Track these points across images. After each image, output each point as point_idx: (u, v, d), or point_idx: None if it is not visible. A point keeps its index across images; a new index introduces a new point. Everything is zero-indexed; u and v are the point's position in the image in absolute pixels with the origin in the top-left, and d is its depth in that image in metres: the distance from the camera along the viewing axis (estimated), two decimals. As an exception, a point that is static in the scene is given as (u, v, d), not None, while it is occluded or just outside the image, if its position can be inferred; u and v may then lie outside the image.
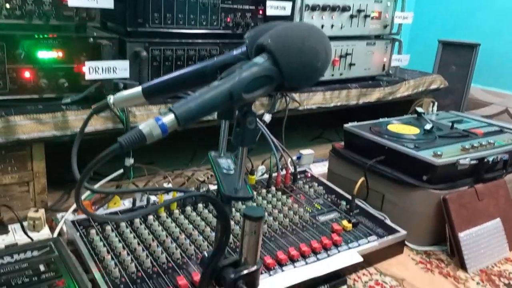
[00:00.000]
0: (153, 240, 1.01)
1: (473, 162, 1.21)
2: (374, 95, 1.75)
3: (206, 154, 1.44)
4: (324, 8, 1.52)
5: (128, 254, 0.95)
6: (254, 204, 1.20)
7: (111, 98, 0.59)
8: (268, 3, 1.35)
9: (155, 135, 0.41)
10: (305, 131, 2.01)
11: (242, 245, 0.57)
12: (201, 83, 0.53)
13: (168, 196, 1.16)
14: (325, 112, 1.77)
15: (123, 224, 1.04)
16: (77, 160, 0.46)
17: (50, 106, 1.10)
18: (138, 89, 0.59)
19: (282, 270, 0.97)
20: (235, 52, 0.53)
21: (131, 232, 1.03)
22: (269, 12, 1.35)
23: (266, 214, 1.15)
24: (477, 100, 2.34)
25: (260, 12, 1.38)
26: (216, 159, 0.58)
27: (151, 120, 0.41)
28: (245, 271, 0.57)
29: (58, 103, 1.12)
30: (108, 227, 1.03)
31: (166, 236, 1.02)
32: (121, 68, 1.13)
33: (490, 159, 1.25)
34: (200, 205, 1.15)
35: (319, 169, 1.65)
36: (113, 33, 1.22)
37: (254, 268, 0.57)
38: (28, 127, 1.07)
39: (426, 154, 1.21)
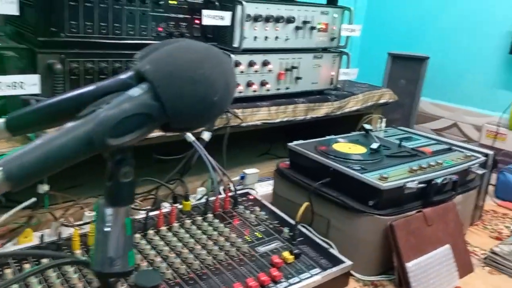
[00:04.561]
0: None
1: (421, 185, 1.14)
2: (322, 110, 1.68)
3: (143, 176, 1.32)
4: (267, 19, 1.43)
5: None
6: (187, 235, 1.08)
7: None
8: (204, 12, 1.23)
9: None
10: (252, 147, 1.90)
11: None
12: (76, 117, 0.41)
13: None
14: (273, 126, 1.68)
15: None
16: None
17: None
18: (0, 120, 0.46)
19: (212, 316, 0.86)
20: (124, 76, 0.41)
21: (40, 283, 0.87)
22: (206, 21, 1.24)
23: (199, 247, 1.03)
24: (426, 114, 2.33)
25: (196, 21, 1.27)
26: (103, 210, 0.46)
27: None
28: None
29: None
30: (8, 271, 0.88)
31: None
32: (29, 83, 0.98)
33: (439, 180, 1.19)
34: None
35: (266, 188, 1.54)
36: (26, 43, 1.07)
37: None
38: None
39: (372, 177, 1.13)
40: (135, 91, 0.35)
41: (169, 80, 0.35)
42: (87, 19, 1.08)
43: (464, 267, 1.18)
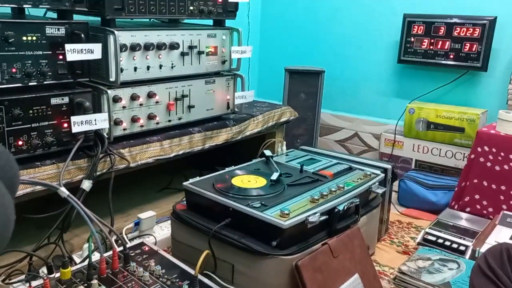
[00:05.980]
0: None
1: (323, 217, 1.09)
2: (221, 136, 1.58)
3: (19, 235, 1.11)
4: (147, 47, 1.30)
5: None
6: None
7: None
8: (67, 47, 1.07)
9: None
10: (150, 181, 1.75)
11: None
12: None
13: None
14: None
15: None
16: None
17: None
18: None
19: None
20: None
21: None
22: (71, 57, 1.08)
23: (78, 328, 0.87)
24: (329, 126, 2.34)
25: (60, 57, 1.10)
26: None
27: None
28: None
29: None
30: None
31: None
32: None
33: (341, 207, 1.14)
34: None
35: (166, 231, 1.41)
36: None
37: None
38: None
39: (272, 214, 1.05)
40: None
41: None
42: None
43: (375, 294, 1.15)
